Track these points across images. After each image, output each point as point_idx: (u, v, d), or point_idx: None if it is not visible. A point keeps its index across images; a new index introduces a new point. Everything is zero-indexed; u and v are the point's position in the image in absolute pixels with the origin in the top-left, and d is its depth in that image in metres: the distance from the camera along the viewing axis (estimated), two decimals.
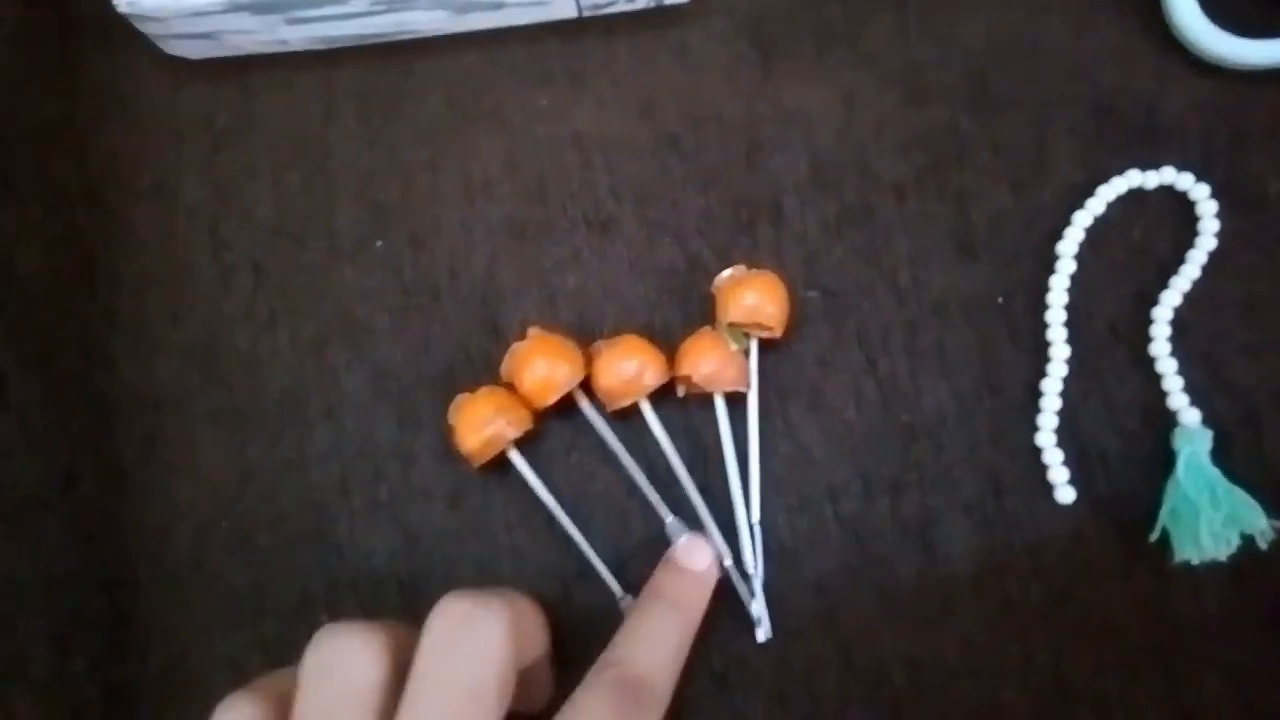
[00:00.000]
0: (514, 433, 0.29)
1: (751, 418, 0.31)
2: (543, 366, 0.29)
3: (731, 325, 0.31)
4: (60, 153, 0.32)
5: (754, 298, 0.31)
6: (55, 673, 0.30)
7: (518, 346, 0.30)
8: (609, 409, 0.30)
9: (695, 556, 0.29)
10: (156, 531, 0.31)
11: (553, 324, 0.31)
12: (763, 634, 0.30)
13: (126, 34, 0.30)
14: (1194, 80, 0.33)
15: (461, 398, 0.30)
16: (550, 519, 0.30)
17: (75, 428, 0.31)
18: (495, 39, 0.33)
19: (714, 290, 0.32)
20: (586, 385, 0.31)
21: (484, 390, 0.30)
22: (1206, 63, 0.33)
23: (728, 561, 0.30)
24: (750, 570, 0.30)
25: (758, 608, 0.30)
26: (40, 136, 0.33)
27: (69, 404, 0.31)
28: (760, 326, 0.31)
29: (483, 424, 0.29)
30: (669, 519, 0.30)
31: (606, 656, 0.27)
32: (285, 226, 0.32)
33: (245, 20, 0.30)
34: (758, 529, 0.30)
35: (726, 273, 0.31)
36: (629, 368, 0.30)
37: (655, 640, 0.27)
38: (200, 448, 0.31)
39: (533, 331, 0.31)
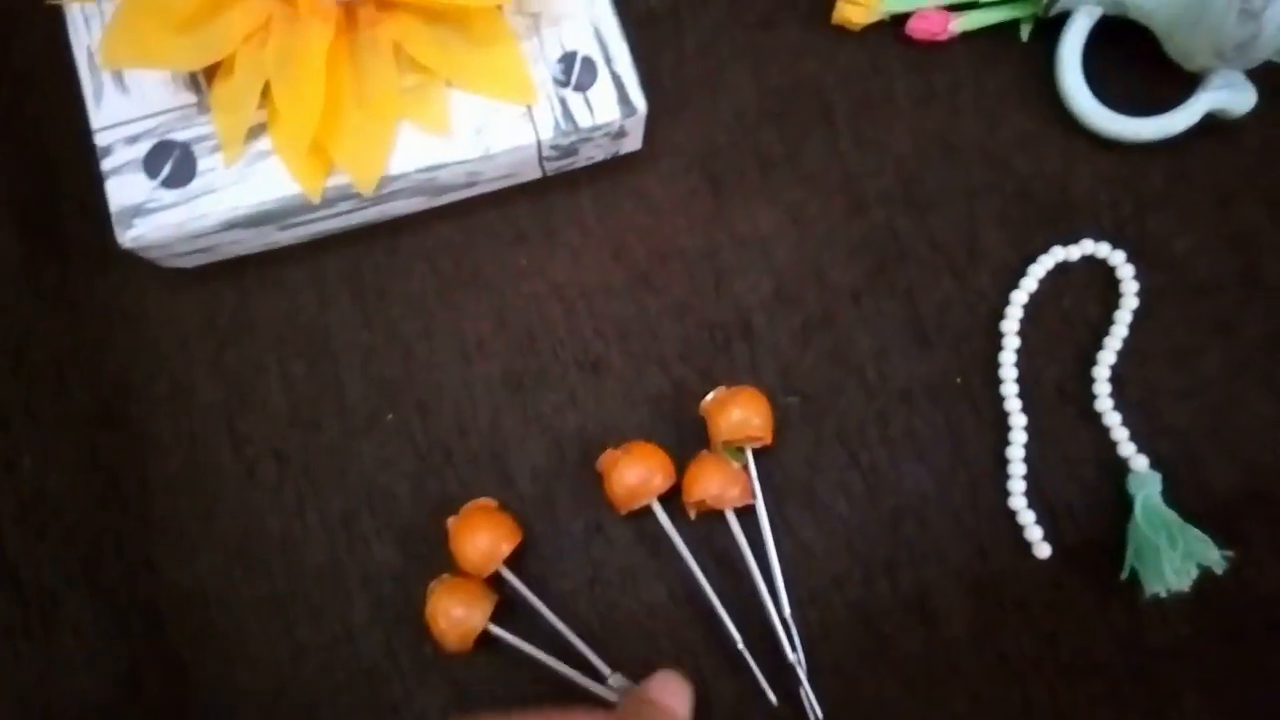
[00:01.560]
0: (483, 619, 0.31)
1: (763, 522, 0.34)
2: (484, 540, 0.31)
3: (726, 443, 0.34)
4: (74, 376, 0.34)
5: (740, 413, 0.34)
6: None
7: (451, 523, 0.32)
8: (623, 511, 0.33)
9: (670, 693, 0.30)
10: (211, 700, 0.33)
11: (559, 468, 0.34)
12: (817, 717, 0.32)
13: (123, 254, 0.32)
14: (1097, 157, 0.37)
15: (431, 588, 0.32)
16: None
17: (130, 634, 0.33)
18: (470, 208, 0.36)
19: (702, 413, 0.34)
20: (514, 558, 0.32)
21: (446, 583, 0.32)
22: (1105, 140, 0.37)
23: (740, 646, 0.33)
24: (794, 660, 0.32)
25: (807, 694, 0.32)
26: (54, 364, 0.34)
27: (120, 613, 0.33)
28: (751, 438, 0.34)
29: (455, 618, 0.31)
30: (610, 676, 0.32)
31: None
32: (299, 413, 0.34)
33: (240, 234, 0.32)
34: (791, 622, 0.33)
35: (710, 395, 0.34)
36: (638, 473, 0.32)
37: None
38: (251, 634, 0.33)
39: (466, 509, 0.33)
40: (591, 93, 0.32)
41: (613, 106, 0.32)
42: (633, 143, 0.35)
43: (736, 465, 0.34)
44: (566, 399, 0.35)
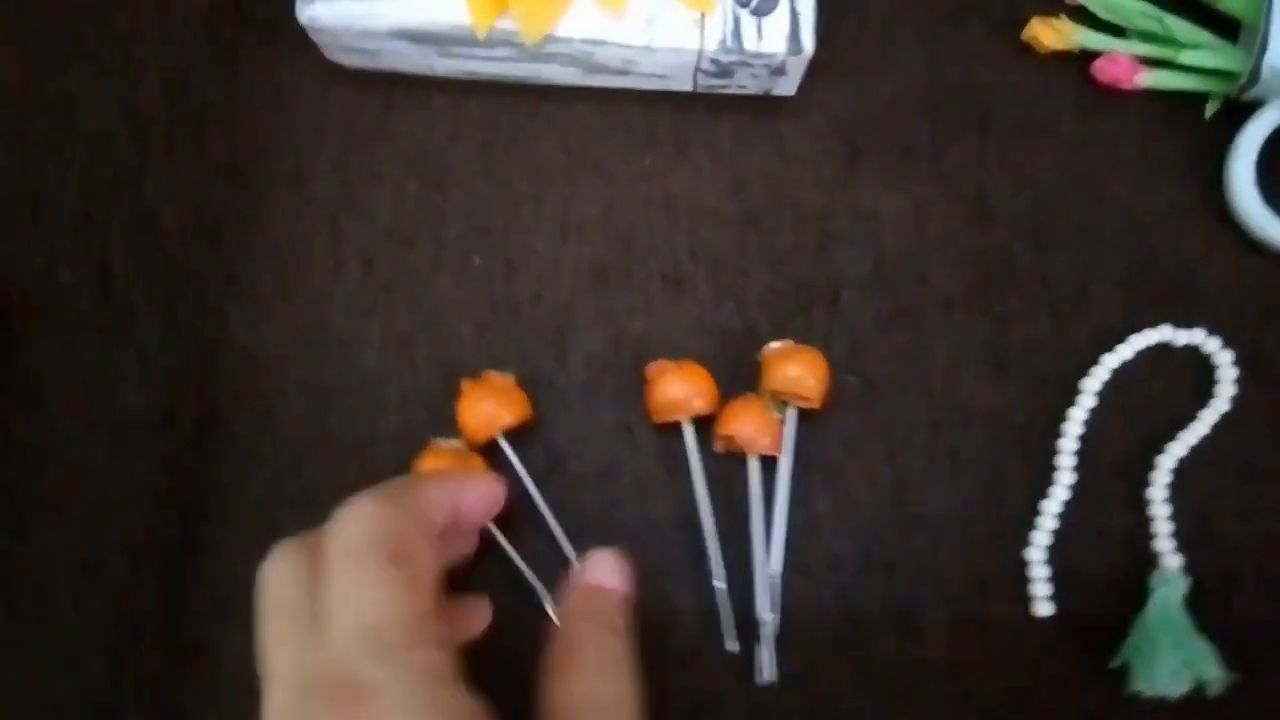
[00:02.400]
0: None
1: (783, 479, 0.34)
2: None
3: (775, 394, 0.34)
4: (215, 128, 0.36)
5: (797, 370, 0.34)
6: (126, 581, 0.34)
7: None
8: (655, 419, 0.34)
9: (603, 570, 0.30)
10: (234, 475, 0.35)
11: (612, 362, 0.35)
12: (766, 676, 0.33)
13: (294, 37, 0.34)
14: (1239, 254, 0.36)
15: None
16: None
17: (182, 372, 0.35)
18: (616, 98, 0.36)
19: (761, 358, 0.35)
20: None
21: (432, 450, 0.33)
22: (1254, 240, 0.36)
23: (719, 584, 0.33)
24: (765, 618, 0.33)
25: (766, 654, 0.33)
26: (201, 112, 0.37)
27: (182, 350, 0.35)
28: (799, 398, 0.34)
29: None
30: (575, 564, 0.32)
31: (563, 704, 0.26)
32: (397, 229, 0.36)
33: (403, 46, 0.34)
34: (778, 581, 0.33)
35: (775, 344, 0.35)
36: (683, 389, 0.33)
37: (609, 672, 0.27)
38: (286, 411, 0.35)
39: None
40: (767, 20, 0.33)
41: (782, 40, 0.33)
42: (787, 87, 0.36)
43: (776, 416, 0.34)
44: (641, 303, 0.36)
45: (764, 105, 0.37)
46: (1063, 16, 0.37)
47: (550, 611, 0.33)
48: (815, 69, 0.36)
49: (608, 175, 0.36)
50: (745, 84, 0.35)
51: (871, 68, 0.37)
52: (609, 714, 0.26)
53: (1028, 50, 0.37)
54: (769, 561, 0.33)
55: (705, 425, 0.34)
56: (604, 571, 0.30)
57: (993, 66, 0.37)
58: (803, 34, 0.33)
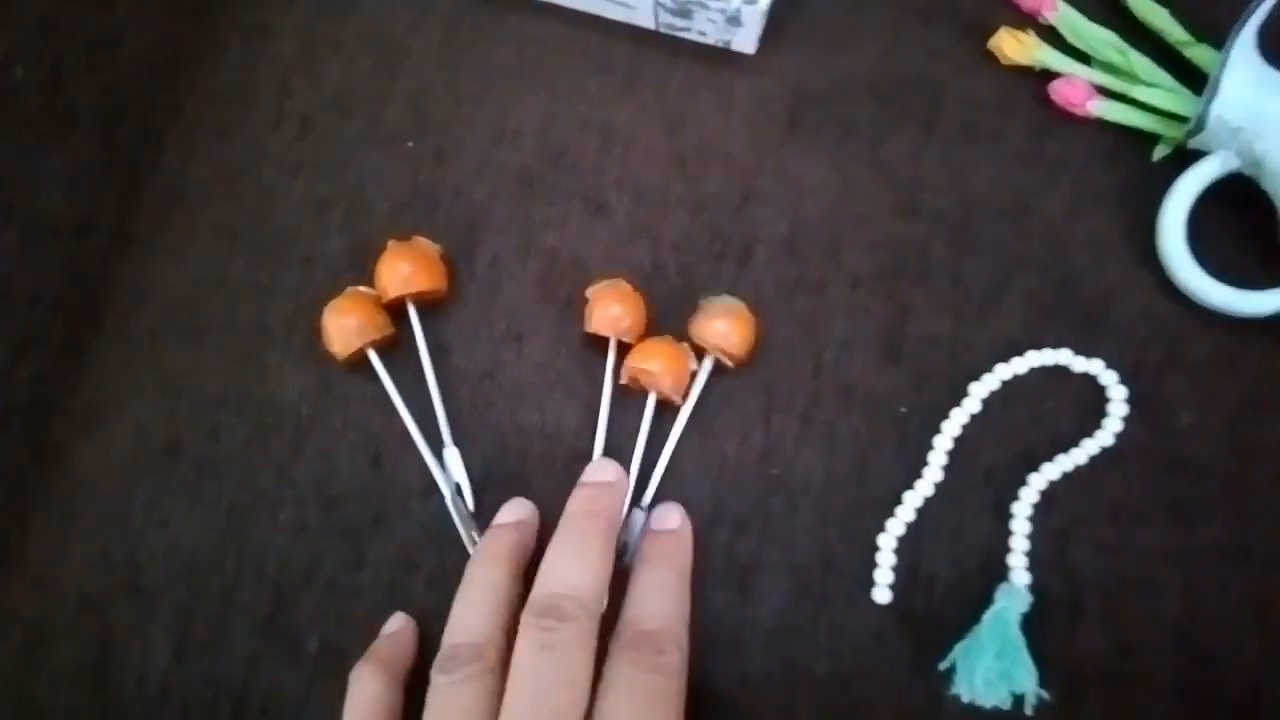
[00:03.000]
0: (362, 339, 0.33)
1: (676, 429, 0.34)
2: (405, 267, 0.33)
3: (700, 342, 0.34)
4: None
5: (726, 328, 0.34)
6: (3, 374, 0.35)
7: (392, 242, 0.34)
8: (589, 330, 0.34)
9: (668, 519, 0.33)
10: (131, 298, 0.36)
11: (516, 270, 0.35)
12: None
13: None
14: (1156, 296, 0.36)
15: (346, 291, 0.34)
16: None
17: (107, 188, 0.36)
18: (579, 21, 0.37)
19: (700, 306, 0.35)
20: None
21: (355, 292, 0.33)
22: (1173, 285, 0.35)
23: (455, 493, 0.33)
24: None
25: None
26: None
27: (114, 169, 0.36)
28: (724, 354, 0.34)
29: (344, 325, 0.33)
30: (447, 449, 0.33)
31: (619, 625, 0.30)
32: (342, 99, 0.37)
33: None
34: (644, 513, 0.34)
35: (718, 299, 0.34)
36: (623, 311, 0.33)
37: (657, 595, 0.31)
38: (196, 247, 0.36)
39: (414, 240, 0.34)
40: None
41: None
42: (744, 43, 0.36)
43: (691, 363, 0.34)
44: (558, 219, 0.36)
45: (720, 58, 0.37)
46: (1030, 32, 0.37)
47: (449, 500, 0.33)
48: (777, 35, 0.37)
49: (554, 92, 0.37)
50: (705, 30, 0.36)
51: (832, 44, 0.38)
52: (657, 636, 0.30)
53: (990, 59, 0.37)
54: (641, 497, 0.34)
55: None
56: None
57: (951, 67, 0.37)
58: None
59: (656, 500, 0.34)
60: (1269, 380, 0.35)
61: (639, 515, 0.34)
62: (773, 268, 0.36)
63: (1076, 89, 0.37)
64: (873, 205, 0.37)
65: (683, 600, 0.32)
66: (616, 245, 0.36)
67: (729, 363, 0.34)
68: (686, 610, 0.31)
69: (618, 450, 0.34)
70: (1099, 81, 0.37)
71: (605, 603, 0.30)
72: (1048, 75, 0.37)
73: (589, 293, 0.34)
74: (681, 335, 0.35)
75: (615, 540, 0.32)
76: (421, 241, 0.34)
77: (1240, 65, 0.34)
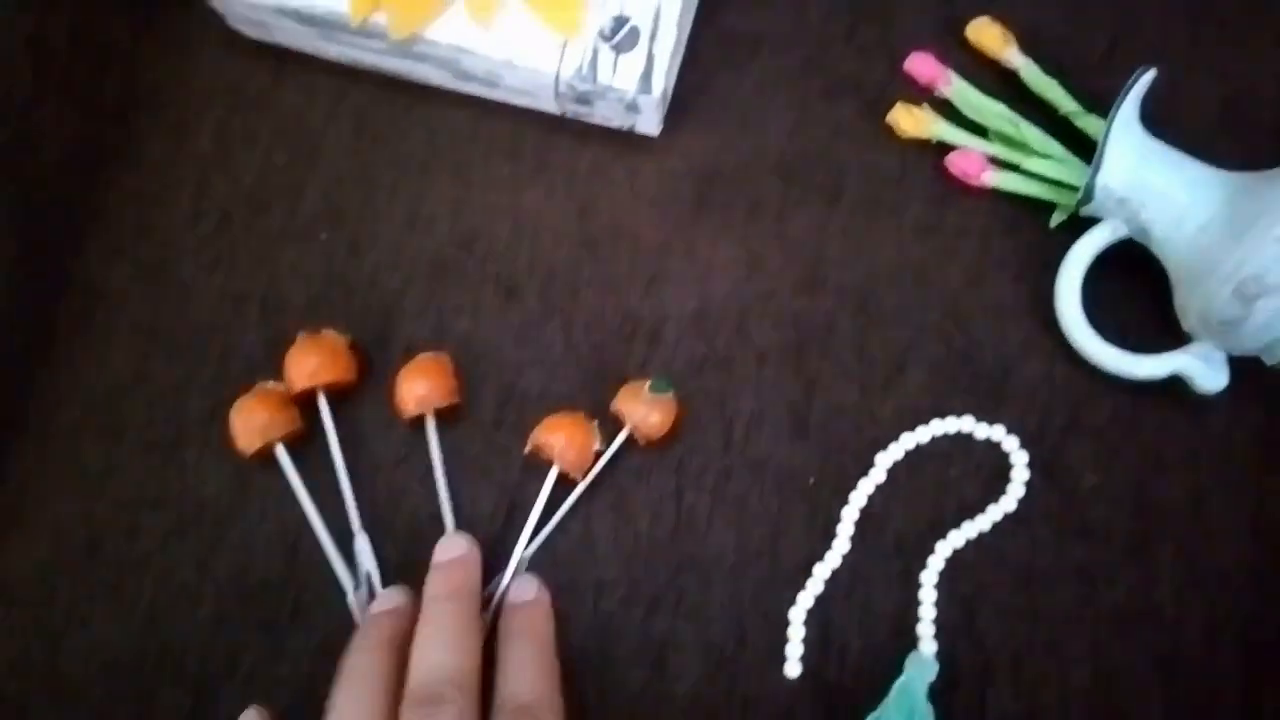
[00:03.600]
0: (263, 438, 0.33)
1: (567, 503, 0.35)
2: (312, 361, 0.34)
3: (618, 418, 0.35)
4: (114, 72, 0.39)
5: (645, 411, 0.34)
6: None
7: (301, 334, 0.35)
8: (402, 417, 0.35)
9: (525, 591, 0.34)
10: (50, 397, 0.36)
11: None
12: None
13: (203, 2, 0.37)
14: (1057, 361, 0.37)
15: (258, 386, 0.34)
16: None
17: (26, 288, 0.37)
18: (489, 109, 0.38)
19: (627, 390, 0.35)
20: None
21: (258, 390, 0.34)
22: (1072, 351, 0.36)
23: (358, 589, 0.34)
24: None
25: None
26: (105, 54, 0.39)
27: (32, 269, 0.37)
28: (638, 433, 0.35)
29: (252, 422, 0.33)
30: (358, 535, 0.34)
31: (496, 701, 0.31)
32: (258, 195, 0.38)
33: (291, 25, 0.36)
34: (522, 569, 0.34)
35: (662, 392, 0.35)
36: (421, 386, 0.34)
37: (528, 668, 0.32)
38: (115, 344, 0.36)
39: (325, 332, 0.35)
40: (624, 57, 0.34)
41: (634, 79, 0.34)
42: (648, 125, 0.37)
43: (596, 446, 0.35)
44: (471, 304, 0.37)
45: (627, 141, 0.38)
46: (926, 106, 0.38)
47: (349, 596, 0.34)
48: (682, 116, 0.38)
49: (465, 179, 0.38)
50: (608, 116, 0.37)
51: (737, 123, 0.39)
52: (534, 708, 0.31)
53: (890, 133, 0.39)
54: (523, 561, 0.34)
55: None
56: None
57: (853, 142, 0.39)
58: (654, 76, 0.34)
59: (559, 580, 0.35)
60: (1169, 441, 0.36)
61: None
62: (682, 345, 0.37)
63: (971, 161, 0.38)
64: (779, 281, 0.38)
65: (552, 668, 0.32)
66: (528, 328, 0.37)
67: (641, 440, 0.35)
68: (557, 676, 0.32)
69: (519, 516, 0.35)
70: (994, 153, 0.38)
71: (479, 677, 0.31)
72: (945, 148, 0.38)
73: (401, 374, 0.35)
74: (593, 414, 0.36)
75: (479, 612, 0.33)
76: (329, 334, 0.35)
77: (1122, 137, 0.35)
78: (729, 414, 0.36)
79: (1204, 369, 0.35)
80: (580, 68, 0.34)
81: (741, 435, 0.36)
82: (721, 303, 0.37)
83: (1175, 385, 0.35)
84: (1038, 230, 0.38)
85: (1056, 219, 0.38)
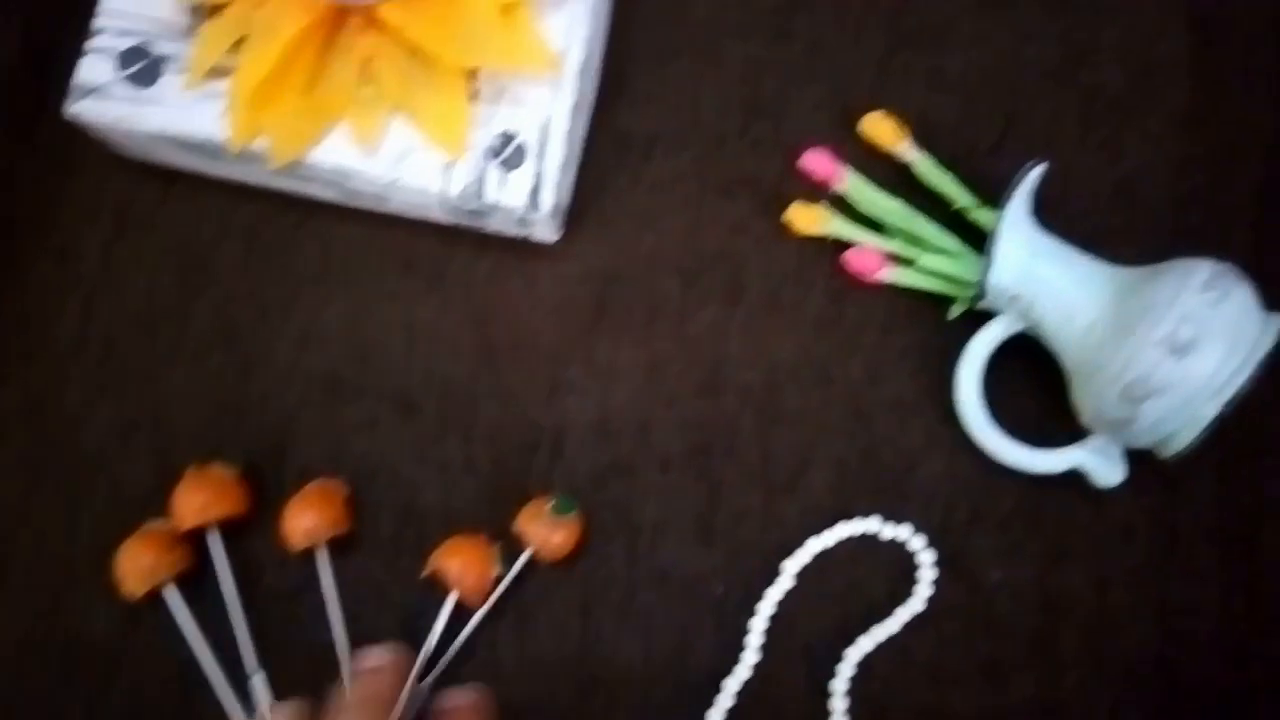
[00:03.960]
0: (150, 581, 0.32)
1: (465, 631, 0.34)
2: (199, 498, 0.33)
3: (522, 540, 0.34)
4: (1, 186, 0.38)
5: (547, 532, 0.34)
6: None
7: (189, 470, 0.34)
8: (291, 550, 0.34)
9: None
10: None
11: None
12: None
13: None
14: (959, 455, 0.37)
15: (145, 528, 0.33)
16: None
17: None
18: (382, 222, 0.38)
19: (529, 510, 0.34)
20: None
21: (145, 531, 0.33)
22: (973, 444, 0.36)
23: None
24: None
25: None
26: None
27: None
28: (540, 554, 0.34)
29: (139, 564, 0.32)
30: (255, 674, 0.33)
31: None
32: (145, 316, 0.37)
33: (172, 149, 0.35)
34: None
35: (566, 513, 0.34)
36: (308, 519, 0.33)
37: None
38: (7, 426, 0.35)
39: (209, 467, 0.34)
40: (512, 175, 0.34)
41: (522, 196, 0.34)
42: (545, 234, 0.37)
43: (495, 570, 0.34)
44: (366, 423, 0.36)
45: (524, 248, 0.38)
46: (823, 204, 0.38)
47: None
48: (580, 220, 0.38)
49: (359, 293, 0.37)
50: (502, 227, 0.37)
51: (636, 225, 0.38)
52: None
53: (789, 228, 0.39)
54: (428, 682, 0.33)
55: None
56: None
57: (752, 240, 0.39)
58: (543, 193, 0.34)
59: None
60: (1072, 531, 0.36)
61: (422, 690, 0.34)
62: (585, 455, 0.36)
63: (868, 258, 0.38)
64: (681, 384, 0.37)
65: None
66: (427, 444, 0.36)
67: (543, 561, 0.35)
68: None
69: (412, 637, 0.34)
70: (890, 249, 0.38)
71: None
72: (844, 242, 0.38)
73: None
74: (496, 532, 0.35)
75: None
76: (218, 467, 0.34)
77: (1013, 235, 0.35)
78: (634, 524, 0.36)
79: (1101, 464, 0.35)
80: (468, 186, 0.34)
81: (647, 546, 0.36)
82: (623, 409, 0.37)
83: (1077, 475, 0.35)
84: (938, 322, 0.38)
85: (955, 312, 0.38)
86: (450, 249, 0.38)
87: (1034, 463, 0.36)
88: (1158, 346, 0.31)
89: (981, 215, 0.38)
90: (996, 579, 0.36)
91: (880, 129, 0.39)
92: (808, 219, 0.38)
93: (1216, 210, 0.39)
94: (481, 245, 0.38)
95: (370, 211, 0.38)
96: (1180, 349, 0.31)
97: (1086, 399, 0.34)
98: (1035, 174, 0.36)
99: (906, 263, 0.38)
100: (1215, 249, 0.37)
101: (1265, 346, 0.31)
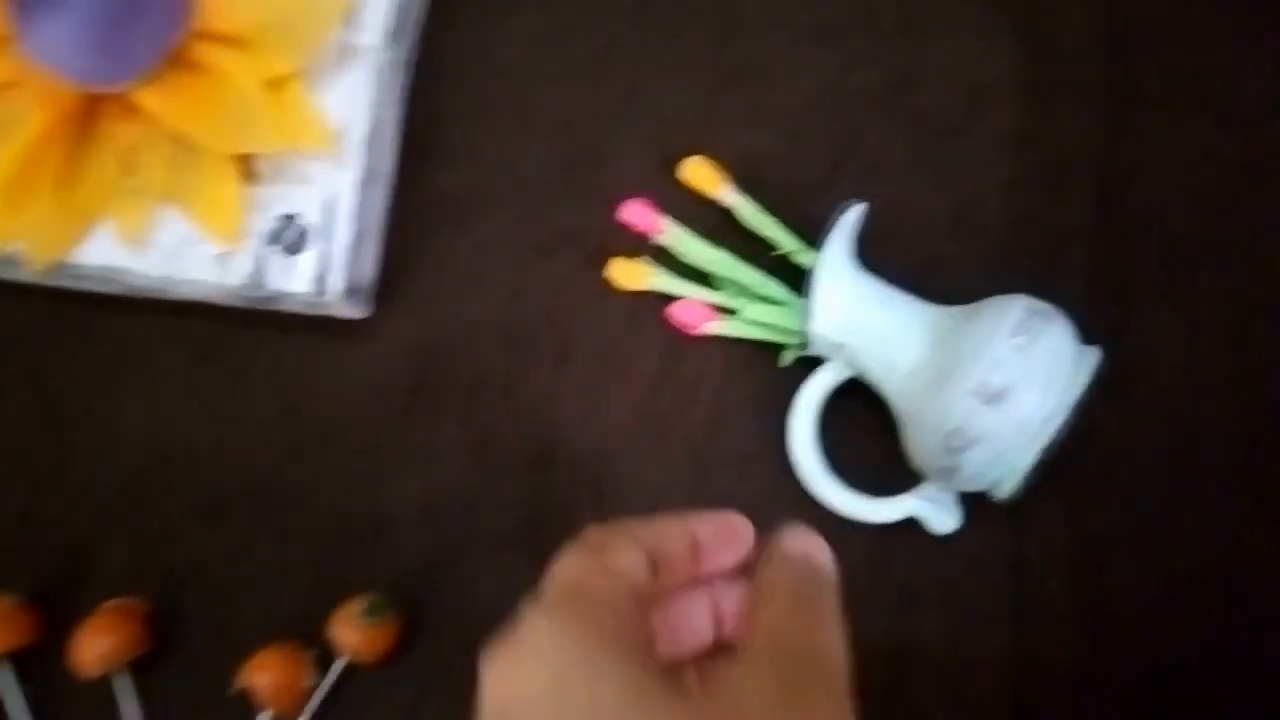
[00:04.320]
0: None
1: None
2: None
3: (338, 648, 0.32)
4: None
5: (361, 638, 0.32)
6: None
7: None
8: (85, 678, 0.32)
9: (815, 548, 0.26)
10: None
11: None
12: None
13: None
14: (800, 505, 0.35)
15: None
16: None
17: None
18: (180, 308, 0.35)
19: (340, 615, 0.33)
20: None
21: None
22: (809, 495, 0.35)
23: None
24: None
25: None
26: None
27: None
28: (360, 657, 0.32)
29: None
30: None
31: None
32: None
33: None
34: None
35: (375, 616, 0.32)
36: (102, 643, 0.31)
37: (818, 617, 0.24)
38: None
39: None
40: (296, 259, 0.32)
41: (307, 281, 0.32)
42: (351, 310, 0.35)
43: (309, 676, 0.32)
44: (173, 529, 0.34)
45: (333, 327, 0.36)
46: (645, 258, 0.37)
47: None
48: (392, 292, 0.36)
49: (157, 390, 0.35)
50: (303, 308, 0.35)
51: (453, 293, 0.36)
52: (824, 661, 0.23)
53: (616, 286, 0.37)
54: None
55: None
56: (806, 543, 0.26)
57: (579, 299, 0.37)
58: (330, 277, 0.32)
59: None
60: (920, 577, 0.35)
61: None
62: (409, 544, 0.35)
63: (693, 311, 0.36)
64: (509, 459, 0.36)
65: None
66: (239, 547, 0.34)
67: (363, 665, 0.33)
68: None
69: None
70: (716, 300, 0.37)
71: None
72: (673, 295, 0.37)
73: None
74: (314, 638, 0.33)
75: None
76: (1, 598, 0.32)
77: (831, 282, 0.33)
78: (464, 612, 0.34)
79: (935, 511, 0.34)
80: (249, 275, 0.32)
81: (478, 635, 0.34)
82: (448, 491, 0.35)
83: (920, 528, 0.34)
84: (774, 369, 0.36)
85: (787, 357, 0.37)
86: (253, 334, 0.36)
87: (868, 512, 0.34)
88: (971, 396, 0.30)
89: (807, 259, 0.36)
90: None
91: (700, 175, 0.37)
92: (629, 275, 0.36)
93: (1053, 231, 0.38)
94: (286, 327, 0.36)
95: (165, 300, 0.36)
96: (993, 398, 0.30)
97: (914, 447, 0.33)
98: (853, 215, 0.34)
99: (730, 313, 0.37)
100: (1052, 271, 0.37)
101: (1079, 387, 0.30)
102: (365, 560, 0.34)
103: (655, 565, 0.24)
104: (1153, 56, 0.39)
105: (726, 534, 0.27)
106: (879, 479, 0.35)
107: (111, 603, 0.32)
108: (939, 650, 0.34)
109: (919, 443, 0.32)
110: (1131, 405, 0.36)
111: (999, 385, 0.30)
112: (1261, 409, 0.37)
